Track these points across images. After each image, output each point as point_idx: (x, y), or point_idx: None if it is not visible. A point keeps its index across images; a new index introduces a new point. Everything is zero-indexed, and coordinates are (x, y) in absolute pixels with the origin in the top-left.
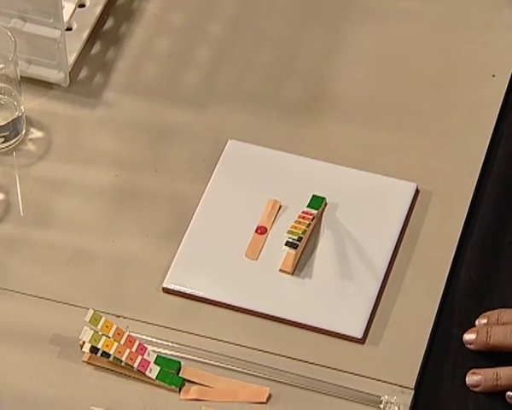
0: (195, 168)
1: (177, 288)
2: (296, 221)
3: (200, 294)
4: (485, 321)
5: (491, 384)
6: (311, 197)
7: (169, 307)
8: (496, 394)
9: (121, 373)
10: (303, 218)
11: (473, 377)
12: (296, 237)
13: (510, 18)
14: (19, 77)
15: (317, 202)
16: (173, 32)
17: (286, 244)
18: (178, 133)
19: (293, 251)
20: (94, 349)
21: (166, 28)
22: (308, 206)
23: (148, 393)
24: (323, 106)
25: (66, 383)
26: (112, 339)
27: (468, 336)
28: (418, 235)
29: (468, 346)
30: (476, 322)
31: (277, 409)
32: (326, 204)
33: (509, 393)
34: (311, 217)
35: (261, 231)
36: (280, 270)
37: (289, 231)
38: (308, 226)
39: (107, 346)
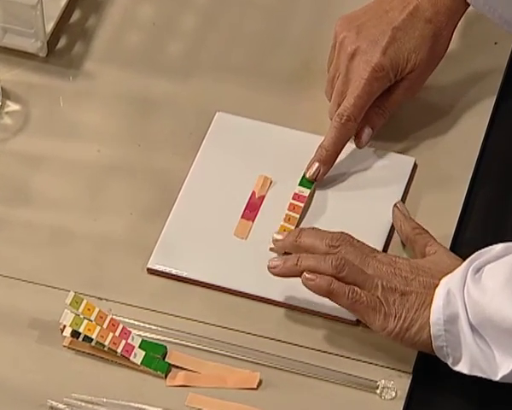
0: (181, 142)
1: (162, 268)
2: (285, 217)
3: (187, 275)
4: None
5: (290, 265)
6: (302, 175)
7: (154, 289)
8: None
9: (104, 359)
10: (293, 209)
11: (274, 262)
12: None
13: None
14: None
15: (309, 180)
16: None
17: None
18: (163, 105)
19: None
20: (75, 333)
21: None
22: (300, 184)
23: (132, 379)
24: (314, 76)
25: (45, 369)
26: (94, 323)
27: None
28: (417, 210)
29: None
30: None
31: (269, 396)
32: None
33: (305, 274)
34: (302, 204)
35: (251, 209)
36: (271, 249)
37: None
38: (299, 217)
39: (89, 330)
